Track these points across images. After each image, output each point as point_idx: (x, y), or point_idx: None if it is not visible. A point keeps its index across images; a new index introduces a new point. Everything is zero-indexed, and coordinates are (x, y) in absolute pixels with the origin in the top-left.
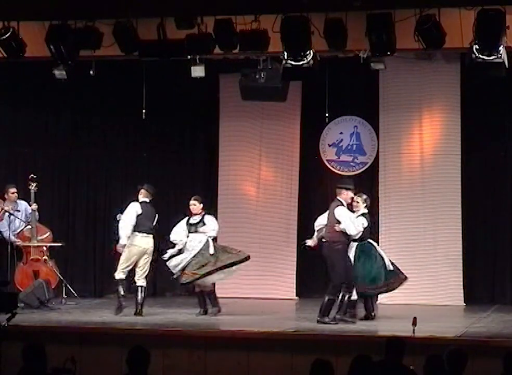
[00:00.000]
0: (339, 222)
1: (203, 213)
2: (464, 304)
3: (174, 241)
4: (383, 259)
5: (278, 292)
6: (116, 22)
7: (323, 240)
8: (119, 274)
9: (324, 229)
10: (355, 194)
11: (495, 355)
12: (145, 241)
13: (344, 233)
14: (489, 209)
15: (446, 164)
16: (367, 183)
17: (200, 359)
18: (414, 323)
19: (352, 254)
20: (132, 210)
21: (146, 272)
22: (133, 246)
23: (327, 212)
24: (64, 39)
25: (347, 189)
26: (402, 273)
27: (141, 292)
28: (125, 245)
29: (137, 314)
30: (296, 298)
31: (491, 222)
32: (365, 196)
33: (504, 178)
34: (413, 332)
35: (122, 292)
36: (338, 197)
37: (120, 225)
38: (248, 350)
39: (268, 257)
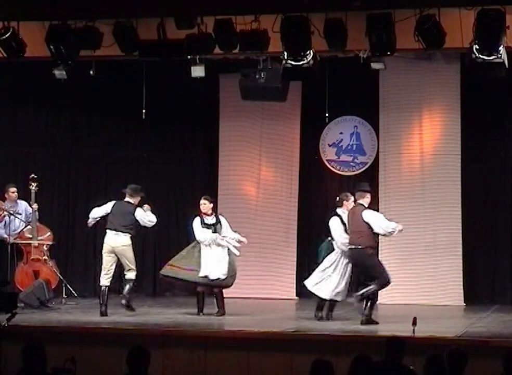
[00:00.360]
0: (368, 225)
1: (214, 213)
2: (464, 304)
3: (205, 243)
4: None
5: (278, 292)
6: (116, 22)
7: (352, 247)
8: (102, 279)
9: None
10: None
11: (495, 355)
12: (114, 239)
13: (373, 237)
14: (489, 209)
15: (446, 164)
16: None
17: (200, 359)
18: (414, 323)
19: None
20: (103, 206)
21: (131, 267)
22: (104, 243)
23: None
24: (64, 39)
25: (369, 192)
26: None
27: (127, 284)
28: (89, 223)
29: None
30: (296, 298)
31: (491, 222)
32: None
33: (504, 178)
34: (413, 332)
35: (101, 301)
36: (360, 201)
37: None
38: (248, 350)
39: (268, 257)
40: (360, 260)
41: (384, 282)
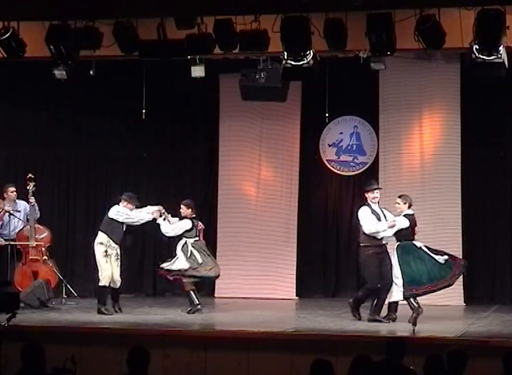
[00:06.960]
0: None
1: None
2: (464, 304)
3: None
4: (432, 257)
5: (278, 292)
6: (116, 22)
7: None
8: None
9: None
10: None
11: (495, 355)
12: None
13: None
14: (489, 209)
15: (446, 164)
16: (367, 183)
17: (200, 359)
18: (414, 323)
19: (393, 255)
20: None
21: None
22: None
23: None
24: (64, 39)
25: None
26: (457, 267)
27: None
28: None
29: None
30: (296, 298)
31: (491, 222)
32: (406, 196)
33: (504, 178)
34: (413, 332)
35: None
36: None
37: None
38: (249, 350)
39: (268, 257)
40: (360, 259)
41: (372, 286)
